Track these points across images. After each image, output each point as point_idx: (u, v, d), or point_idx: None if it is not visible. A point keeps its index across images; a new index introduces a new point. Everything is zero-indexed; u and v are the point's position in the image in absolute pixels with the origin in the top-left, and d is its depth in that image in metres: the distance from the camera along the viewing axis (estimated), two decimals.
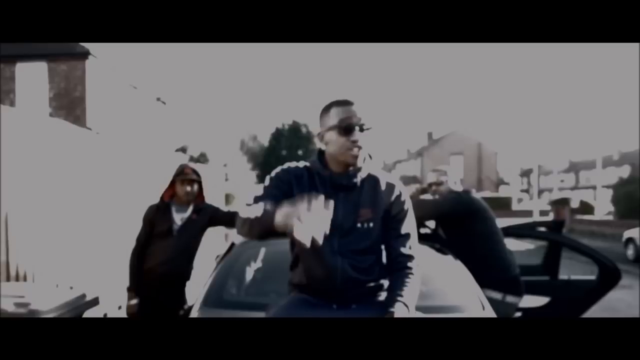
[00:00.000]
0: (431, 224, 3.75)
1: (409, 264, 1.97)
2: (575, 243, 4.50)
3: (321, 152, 2.01)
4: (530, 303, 4.06)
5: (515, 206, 39.25)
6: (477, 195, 3.62)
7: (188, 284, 3.58)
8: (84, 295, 3.54)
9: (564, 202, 29.71)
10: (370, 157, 2.03)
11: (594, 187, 44.87)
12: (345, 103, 1.92)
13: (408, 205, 2.04)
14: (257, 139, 53.27)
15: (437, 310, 2.33)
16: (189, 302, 3.41)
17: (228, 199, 19.18)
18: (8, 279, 4.61)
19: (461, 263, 2.99)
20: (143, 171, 7.76)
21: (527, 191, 61.52)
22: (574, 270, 4.87)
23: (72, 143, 5.81)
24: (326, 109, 1.95)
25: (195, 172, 3.56)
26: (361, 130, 1.88)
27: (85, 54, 17.62)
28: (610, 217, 23.85)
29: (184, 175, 3.51)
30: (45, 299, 3.20)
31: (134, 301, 3.42)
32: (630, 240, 13.28)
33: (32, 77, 17.71)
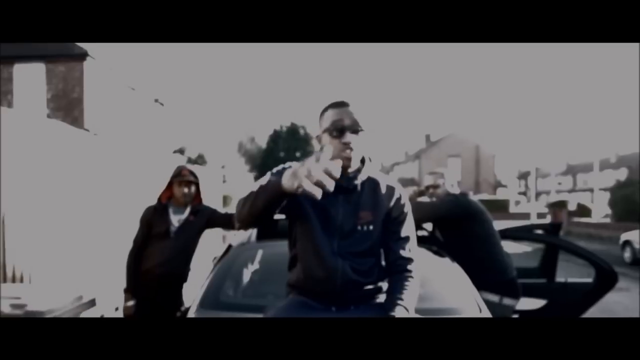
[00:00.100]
0: (428, 226, 3.76)
1: (409, 267, 1.97)
2: (572, 246, 4.51)
3: None
4: (527, 306, 4.06)
5: (512, 208, 39.34)
6: (474, 197, 3.62)
7: (185, 285, 3.57)
8: (81, 297, 3.54)
9: (562, 204, 29.80)
10: (370, 159, 2.03)
11: (591, 190, 44.97)
12: (338, 105, 1.92)
13: (408, 208, 2.04)
14: (255, 140, 53.33)
15: (434, 313, 2.32)
16: (186, 304, 3.41)
17: (226, 200, 19.19)
18: (5, 280, 4.60)
19: (458, 265, 2.99)
20: (141, 172, 7.75)
21: (524, 194, 61.57)
22: (571, 272, 4.87)
23: (69, 144, 5.81)
24: (322, 112, 1.95)
25: (192, 173, 3.56)
26: (355, 132, 1.87)
27: (83, 55, 17.62)
28: (608, 220, 23.89)
29: (181, 177, 3.51)
30: (42, 300, 3.19)
31: (131, 302, 3.41)
32: (627, 242, 13.30)
33: (30, 78, 17.70)
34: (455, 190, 3.67)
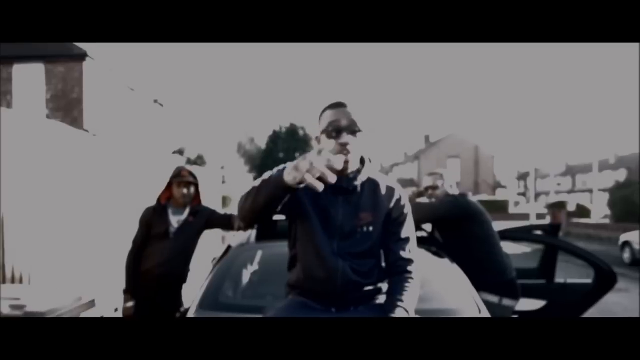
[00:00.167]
0: (428, 227, 3.76)
1: (409, 268, 1.97)
2: (572, 246, 4.51)
3: None
4: (527, 307, 4.06)
5: (512, 209, 39.37)
6: (473, 198, 3.62)
7: (185, 286, 3.58)
8: (80, 298, 3.53)
9: (561, 205, 29.82)
10: (370, 160, 2.03)
11: (590, 191, 45.03)
12: (336, 106, 1.92)
13: (408, 209, 2.04)
14: (255, 141, 53.35)
15: (433, 314, 2.32)
16: (186, 305, 3.41)
17: (225, 201, 19.18)
18: (4, 281, 4.60)
19: (457, 266, 2.99)
20: (140, 173, 7.75)
21: (524, 194, 61.59)
22: (571, 273, 4.87)
23: (69, 145, 5.80)
24: (321, 113, 1.96)
25: (192, 174, 3.56)
26: (352, 133, 1.87)
27: (82, 56, 17.61)
28: (607, 221, 23.91)
29: (180, 178, 3.51)
30: (42, 301, 3.19)
31: (131, 303, 3.41)
32: (626, 243, 13.30)
33: (29, 78, 17.70)
34: (455, 191, 3.68)
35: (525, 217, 30.10)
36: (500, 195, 50.01)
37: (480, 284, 3.00)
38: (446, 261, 3.06)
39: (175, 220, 3.51)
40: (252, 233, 3.33)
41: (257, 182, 1.72)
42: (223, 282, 2.86)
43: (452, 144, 51.09)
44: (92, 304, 3.64)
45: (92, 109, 17.99)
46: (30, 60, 17.47)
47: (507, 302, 3.36)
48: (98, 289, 4.28)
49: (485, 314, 2.58)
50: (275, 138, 48.28)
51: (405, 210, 2.03)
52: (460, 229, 3.46)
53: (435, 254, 3.15)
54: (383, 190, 1.99)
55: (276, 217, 1.88)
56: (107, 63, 19.11)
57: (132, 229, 3.61)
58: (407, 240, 2.01)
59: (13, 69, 17.60)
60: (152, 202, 3.58)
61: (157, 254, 3.42)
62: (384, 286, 2.01)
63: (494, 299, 3.29)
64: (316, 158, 1.47)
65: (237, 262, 3.11)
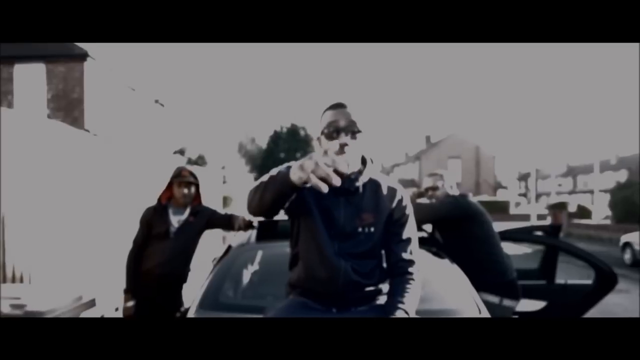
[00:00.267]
0: (428, 227, 3.75)
1: (410, 269, 1.96)
2: (572, 247, 4.51)
3: None
4: (527, 307, 4.06)
5: (512, 210, 39.35)
6: (473, 199, 3.62)
7: (185, 286, 3.58)
8: (80, 297, 3.54)
9: (562, 206, 29.79)
10: (372, 161, 2.03)
11: (591, 191, 45.05)
12: (334, 107, 1.92)
13: (409, 210, 2.04)
14: (255, 141, 53.36)
15: (433, 314, 2.32)
16: (186, 305, 3.41)
17: (226, 201, 19.19)
18: (5, 280, 4.60)
19: (457, 267, 2.99)
20: (141, 173, 7.75)
21: (524, 195, 61.63)
22: (571, 274, 4.88)
23: (69, 145, 5.81)
24: (322, 114, 1.96)
25: (192, 174, 3.56)
26: (351, 133, 1.87)
27: (83, 56, 17.62)
28: (608, 222, 23.90)
29: (181, 178, 3.51)
30: (42, 300, 3.19)
31: (131, 303, 3.41)
32: (627, 244, 13.29)
33: (30, 78, 17.70)
34: (455, 192, 3.68)
35: (526, 217, 30.09)
36: (501, 196, 49.99)
37: (480, 285, 3.00)
38: (446, 261, 3.05)
39: (176, 220, 3.51)
40: (252, 233, 3.33)
41: (265, 178, 1.72)
42: (223, 282, 2.86)
43: (453, 144, 51.06)
44: (92, 303, 3.65)
45: (93, 109, 18.00)
46: (31, 60, 17.48)
47: (507, 302, 3.36)
48: (98, 288, 4.28)
49: (485, 314, 2.58)
50: (276, 138, 48.29)
51: (407, 211, 2.02)
52: (460, 230, 3.46)
53: (435, 254, 3.15)
54: (384, 191, 1.99)
55: (277, 217, 1.88)
56: (108, 63, 19.11)
57: (132, 228, 3.61)
58: (408, 241, 2.01)
59: (14, 68, 17.61)
60: (153, 202, 3.58)
61: (157, 253, 3.42)
62: (385, 287, 2.01)
63: (494, 299, 3.29)
64: (321, 159, 1.47)
65: (237, 262, 3.11)
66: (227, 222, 3.61)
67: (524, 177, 67.44)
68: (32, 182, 5.06)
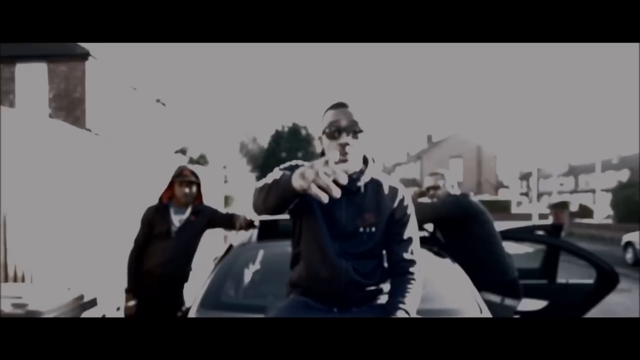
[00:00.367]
0: (429, 227, 3.76)
1: (411, 269, 1.96)
2: (573, 247, 4.51)
3: (323, 155, 2.00)
4: (529, 307, 4.06)
5: (514, 209, 39.30)
6: (474, 198, 3.62)
7: (186, 285, 3.58)
8: (82, 297, 3.54)
9: (563, 205, 29.75)
10: (373, 160, 2.03)
11: (593, 191, 45.00)
12: (336, 106, 1.92)
13: (411, 210, 2.04)
14: (257, 141, 53.36)
15: (434, 314, 2.32)
16: (187, 304, 3.41)
17: (227, 201, 19.20)
18: (6, 279, 4.61)
19: (459, 266, 2.99)
20: (142, 173, 7.76)
21: (526, 194, 61.62)
22: (572, 273, 4.87)
23: (71, 144, 5.81)
24: (323, 113, 1.96)
25: (193, 173, 3.56)
26: (352, 133, 1.87)
27: (85, 55, 17.62)
28: (609, 221, 23.88)
29: (182, 177, 3.51)
30: (43, 300, 3.20)
31: (132, 302, 3.42)
32: (629, 244, 13.29)
33: (31, 78, 17.71)
34: (456, 191, 3.68)
35: (528, 217, 30.05)
36: (502, 195, 50.03)
37: (482, 284, 3.00)
38: (447, 261, 3.05)
39: (177, 219, 3.52)
40: (253, 232, 3.34)
41: (269, 179, 1.73)
42: (224, 281, 2.86)
43: (455, 143, 51.02)
44: (93, 302, 3.65)
45: (95, 109, 18.01)
46: (33, 59, 17.48)
47: (508, 302, 3.36)
48: (100, 287, 4.29)
49: (487, 313, 2.58)
50: (277, 137, 48.29)
51: (408, 211, 2.02)
52: (461, 229, 3.46)
53: (436, 253, 3.15)
54: (386, 191, 1.99)
55: (277, 217, 1.88)
56: (109, 62, 19.12)
57: (134, 228, 3.62)
58: (409, 241, 2.01)
59: (15, 68, 17.61)
60: (154, 202, 3.59)
61: (158, 253, 3.43)
62: (386, 287, 2.01)
63: (495, 298, 3.29)
64: (322, 168, 1.47)
65: (238, 262, 3.11)
66: (228, 222, 3.61)
67: (525, 177, 67.43)
68: (33, 181, 5.06)
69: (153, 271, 3.41)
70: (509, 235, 4.29)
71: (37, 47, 16.91)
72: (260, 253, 3.33)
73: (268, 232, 3.28)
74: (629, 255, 13.14)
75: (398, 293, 1.91)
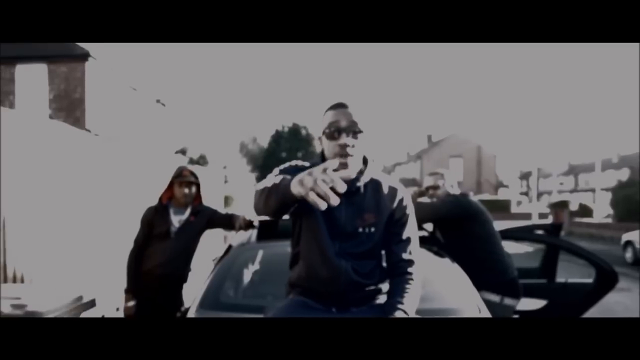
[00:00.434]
0: (429, 227, 3.76)
1: (410, 270, 1.96)
2: (572, 246, 4.51)
3: (323, 155, 2.00)
4: (528, 306, 4.06)
5: (514, 209, 39.32)
6: (474, 198, 3.62)
7: (185, 285, 3.58)
8: (81, 297, 3.54)
9: (563, 204, 29.75)
10: (373, 160, 2.02)
11: (593, 190, 45.00)
12: (335, 107, 1.92)
13: (410, 210, 2.04)
14: (257, 141, 53.33)
15: (433, 313, 2.32)
16: (187, 304, 3.41)
17: (227, 201, 19.19)
18: (5, 280, 4.61)
19: (458, 266, 2.99)
20: (142, 173, 7.76)
21: (526, 194, 61.62)
22: (572, 273, 4.87)
23: (71, 145, 5.82)
24: (323, 114, 1.96)
25: (193, 174, 3.56)
26: (352, 133, 1.87)
27: (85, 56, 17.62)
28: (609, 220, 23.89)
29: (182, 178, 3.51)
30: (42, 301, 3.19)
31: (132, 303, 3.42)
32: (628, 243, 13.29)
33: (31, 78, 17.72)
34: (456, 191, 3.68)
35: (528, 216, 30.06)
36: (502, 195, 50.04)
37: (481, 284, 3.00)
38: (447, 261, 3.06)
39: (177, 219, 3.52)
40: (253, 233, 3.34)
41: (269, 183, 1.73)
42: (224, 281, 2.87)
43: (455, 143, 51.01)
44: (92, 303, 3.65)
45: (95, 109, 18.01)
46: (33, 60, 17.49)
47: (508, 301, 3.36)
48: (99, 288, 4.29)
49: (486, 313, 2.58)
50: (277, 137, 48.26)
51: (408, 211, 2.02)
52: (461, 229, 3.46)
53: (436, 253, 3.15)
54: (385, 191, 1.99)
55: None
56: (109, 63, 19.12)
57: (133, 228, 3.62)
58: (408, 241, 2.01)
59: (16, 69, 17.62)
60: (154, 202, 3.59)
61: (158, 253, 3.43)
62: (385, 287, 2.02)
63: (495, 298, 3.29)
64: (320, 176, 1.47)
65: (238, 262, 3.12)
66: (227, 222, 3.61)
67: (525, 176, 67.42)
68: (33, 182, 5.06)
69: (152, 271, 3.41)
70: (509, 234, 4.29)
71: (37, 48, 16.92)
72: (260, 253, 3.33)
73: (267, 232, 3.28)
74: (629, 255, 13.14)
75: (397, 293, 1.91)
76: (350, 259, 1.92)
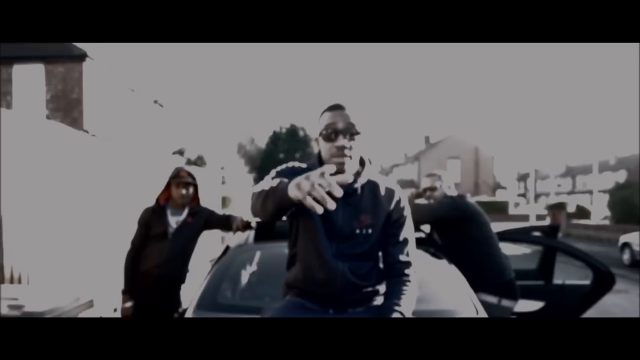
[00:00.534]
0: (426, 228, 3.76)
1: (406, 271, 1.96)
2: (570, 248, 4.51)
3: (320, 156, 2.00)
4: (525, 308, 4.06)
5: (512, 210, 39.36)
6: (471, 199, 3.62)
7: (183, 286, 3.58)
8: (79, 298, 3.54)
9: (561, 206, 29.78)
10: (370, 162, 2.03)
11: (590, 192, 45.05)
12: (332, 108, 1.91)
13: (407, 211, 2.04)
14: (255, 142, 53.32)
15: (430, 315, 2.33)
16: (184, 305, 3.41)
17: (225, 202, 19.19)
18: (3, 281, 4.60)
19: (455, 267, 2.99)
20: (139, 174, 7.75)
21: (524, 195, 61.66)
22: (569, 274, 4.88)
23: (68, 146, 5.81)
24: (320, 115, 1.95)
25: (190, 175, 3.56)
26: (349, 135, 1.87)
27: (82, 56, 17.61)
28: (607, 222, 23.90)
29: (179, 178, 3.51)
30: (40, 301, 3.19)
31: (129, 304, 3.41)
32: (626, 245, 13.29)
33: (29, 79, 17.69)
34: (453, 193, 3.68)
35: (525, 218, 30.11)
36: (500, 196, 50.07)
37: (478, 285, 3.00)
38: (444, 262, 3.06)
39: (174, 220, 3.51)
40: (250, 234, 3.34)
41: (266, 185, 1.73)
42: (221, 282, 2.86)
43: (452, 144, 51.03)
44: (90, 304, 3.64)
45: (92, 110, 17.99)
46: (30, 60, 17.47)
47: (505, 303, 3.36)
48: (97, 289, 4.28)
49: (483, 315, 2.58)
50: (275, 139, 48.26)
51: (405, 212, 2.02)
52: (458, 230, 3.46)
53: (433, 255, 3.15)
54: (382, 192, 1.99)
55: None
56: (106, 63, 19.10)
57: (130, 229, 3.61)
58: (405, 242, 2.01)
59: (13, 69, 17.59)
60: (151, 203, 3.58)
61: (155, 254, 3.42)
62: (382, 288, 2.01)
63: (492, 299, 3.29)
64: (317, 180, 1.47)
65: (235, 263, 3.12)
66: (225, 223, 3.61)
67: (523, 178, 67.43)
68: (30, 183, 5.05)
69: (150, 272, 3.41)
70: (506, 236, 4.30)
71: (34, 48, 16.90)
72: (257, 254, 3.33)
73: (265, 233, 3.28)
74: (626, 256, 13.14)
75: (393, 295, 1.91)
76: (347, 261, 1.92)
